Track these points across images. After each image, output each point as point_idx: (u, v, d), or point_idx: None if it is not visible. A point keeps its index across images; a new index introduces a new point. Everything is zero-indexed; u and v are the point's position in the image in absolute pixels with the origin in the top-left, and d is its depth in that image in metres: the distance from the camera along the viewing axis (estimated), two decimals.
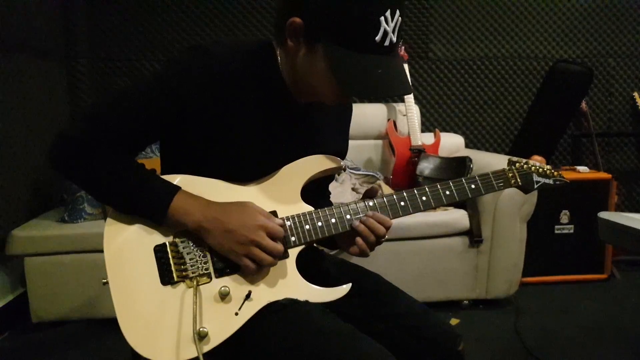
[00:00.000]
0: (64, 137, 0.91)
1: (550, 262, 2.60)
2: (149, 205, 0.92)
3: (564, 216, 2.59)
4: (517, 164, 1.11)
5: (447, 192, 1.04)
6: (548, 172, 1.12)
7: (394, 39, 0.87)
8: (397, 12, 0.85)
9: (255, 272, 0.90)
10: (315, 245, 1.17)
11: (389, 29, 0.85)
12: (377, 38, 0.85)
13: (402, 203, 1.01)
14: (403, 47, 2.77)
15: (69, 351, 1.97)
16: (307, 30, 0.88)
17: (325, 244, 1.17)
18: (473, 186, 1.05)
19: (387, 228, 0.98)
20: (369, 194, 1.03)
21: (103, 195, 0.96)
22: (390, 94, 0.88)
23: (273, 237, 0.90)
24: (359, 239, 0.98)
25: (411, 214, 1.02)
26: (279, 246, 0.90)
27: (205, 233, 0.91)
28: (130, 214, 0.94)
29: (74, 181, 0.95)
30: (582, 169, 2.67)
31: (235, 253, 0.90)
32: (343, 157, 1.14)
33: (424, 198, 1.02)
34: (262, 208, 0.94)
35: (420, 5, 2.93)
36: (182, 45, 2.81)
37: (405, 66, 2.72)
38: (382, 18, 0.84)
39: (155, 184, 0.93)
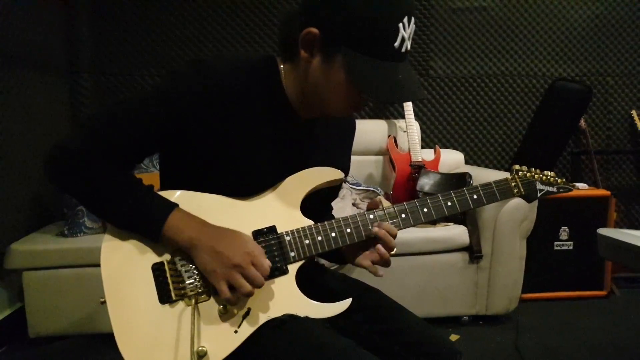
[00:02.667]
0: (60, 148, 0.90)
1: (550, 278, 2.60)
2: (144, 223, 0.91)
3: (564, 233, 2.59)
4: (520, 172, 1.09)
5: (449, 204, 1.02)
6: (552, 179, 1.11)
7: (409, 46, 0.89)
8: (412, 19, 0.87)
9: (230, 300, 0.88)
10: (315, 259, 1.17)
11: (406, 36, 0.87)
12: (396, 45, 0.86)
13: (403, 215, 1.01)
14: None
15: None
16: (324, 40, 0.88)
17: (329, 257, 1.17)
18: (475, 196, 1.04)
19: (394, 236, 0.98)
20: (371, 207, 1.03)
21: (97, 209, 0.94)
22: (411, 99, 0.89)
23: (257, 268, 0.88)
24: (379, 247, 0.98)
25: (412, 226, 1.02)
26: (260, 278, 0.88)
27: (194, 251, 0.90)
28: (124, 229, 0.93)
29: (68, 193, 0.93)
30: (582, 186, 2.68)
31: (215, 275, 0.88)
32: (345, 173, 1.13)
33: (425, 210, 1.01)
34: (255, 244, 0.92)
35: (421, 23, 2.97)
36: (184, 60, 2.83)
37: None
38: (401, 25, 0.85)
39: (152, 202, 0.92)
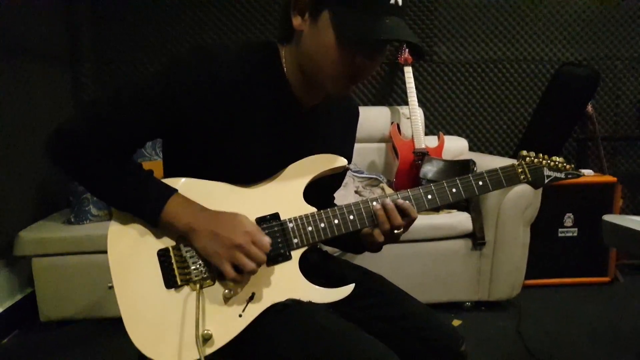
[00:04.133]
0: (62, 131, 0.91)
1: (554, 265, 2.60)
2: (142, 207, 0.93)
3: (568, 219, 2.59)
4: (528, 157, 1.07)
5: (454, 190, 1.02)
6: (560, 165, 1.09)
7: (400, 0, 0.86)
8: None
9: (235, 279, 0.90)
10: (318, 246, 1.18)
11: None
12: None
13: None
14: (407, 50, 2.77)
15: (77, 350, 1.99)
16: (312, 1, 0.88)
17: (345, 247, 1.18)
18: (481, 183, 1.03)
19: (410, 222, 0.98)
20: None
21: (97, 191, 0.96)
22: (400, 37, 0.84)
23: (258, 247, 0.90)
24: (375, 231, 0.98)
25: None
26: (262, 255, 0.89)
27: (193, 235, 0.91)
28: (123, 211, 0.95)
29: (69, 174, 0.95)
30: (587, 172, 2.66)
31: (218, 256, 0.89)
32: (348, 161, 1.13)
33: (429, 196, 1.01)
34: (253, 222, 0.93)
35: (425, 8, 2.94)
36: (186, 47, 2.82)
37: (410, 69, 2.72)
38: None
39: (151, 187, 0.94)
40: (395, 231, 0.98)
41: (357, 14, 0.84)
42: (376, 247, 1.04)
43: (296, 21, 0.91)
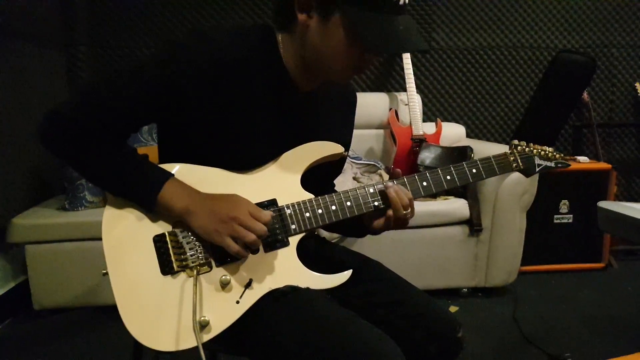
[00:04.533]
0: (55, 114, 0.90)
1: (549, 251, 2.62)
2: (138, 191, 0.92)
3: (564, 206, 2.60)
4: (519, 147, 1.10)
5: (448, 177, 1.03)
6: (550, 154, 1.12)
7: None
8: None
9: (239, 253, 0.88)
10: (316, 232, 1.17)
11: None
12: None
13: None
14: None
15: (71, 338, 1.99)
16: (320, 1, 0.87)
17: (346, 231, 1.17)
18: (474, 170, 1.04)
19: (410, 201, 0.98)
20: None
21: (90, 176, 0.95)
22: (414, 49, 0.88)
23: (257, 218, 0.88)
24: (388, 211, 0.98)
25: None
26: (262, 226, 0.88)
27: (190, 216, 0.90)
28: (119, 197, 0.94)
29: (61, 158, 0.94)
30: (583, 159, 2.68)
31: (218, 233, 0.88)
32: (346, 148, 1.12)
33: (424, 183, 1.02)
34: (249, 200, 0.92)
35: None
36: (182, 31, 2.79)
37: (408, 56, 2.71)
38: None
39: (147, 171, 0.93)
40: (405, 212, 0.98)
41: (369, 15, 0.85)
42: (379, 231, 1.04)
43: (302, 17, 0.90)
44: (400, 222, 1.00)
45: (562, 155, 1.13)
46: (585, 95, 3.00)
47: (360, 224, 1.05)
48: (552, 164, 1.12)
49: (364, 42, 0.86)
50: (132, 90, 0.90)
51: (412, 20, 0.90)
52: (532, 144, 1.12)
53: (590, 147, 3.13)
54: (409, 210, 0.99)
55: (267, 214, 0.90)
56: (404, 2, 0.87)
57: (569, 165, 1.14)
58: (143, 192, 0.91)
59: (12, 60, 2.22)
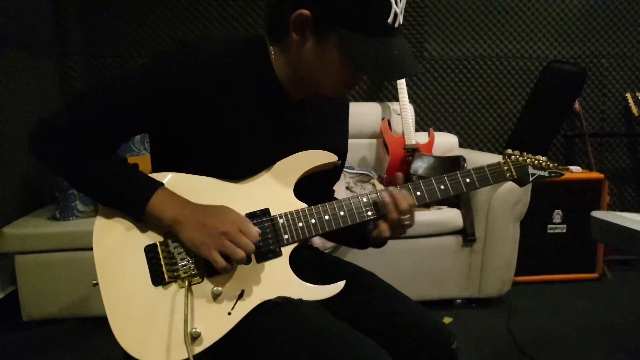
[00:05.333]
0: (45, 124, 0.90)
1: (543, 261, 2.62)
2: (127, 201, 0.91)
3: (557, 216, 2.60)
4: (513, 156, 1.10)
5: (442, 187, 1.02)
6: (544, 164, 1.12)
7: (401, 20, 0.89)
8: None
9: (225, 269, 0.87)
10: (309, 242, 1.16)
11: (398, 10, 0.86)
12: (389, 20, 0.85)
13: None
14: None
15: (60, 350, 1.96)
16: (316, 21, 0.86)
17: (346, 242, 1.16)
18: (468, 180, 1.04)
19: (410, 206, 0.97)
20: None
21: (80, 186, 0.95)
22: (408, 75, 0.90)
23: (246, 235, 0.87)
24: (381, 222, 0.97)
25: None
26: (251, 244, 0.87)
27: (179, 227, 0.89)
28: (108, 206, 0.93)
29: (51, 168, 0.94)
30: (575, 168, 2.69)
31: (206, 246, 0.87)
32: (342, 155, 1.12)
33: (418, 193, 1.01)
34: (239, 213, 0.91)
35: (415, 4, 2.93)
36: (173, 41, 2.79)
37: None
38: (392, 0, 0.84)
39: (136, 181, 0.92)
40: (403, 217, 0.96)
41: (365, 39, 0.85)
42: (380, 242, 1.03)
43: (296, 36, 0.90)
44: (397, 228, 0.98)
45: (555, 164, 1.14)
46: (576, 105, 3.02)
47: (360, 233, 1.04)
48: (546, 173, 1.12)
49: (359, 68, 0.88)
50: (121, 101, 0.90)
51: (406, 43, 0.91)
52: (525, 153, 1.12)
53: (582, 156, 3.15)
54: (407, 216, 0.97)
55: (256, 232, 0.89)
56: (399, 24, 0.88)
57: (563, 174, 1.15)
58: (132, 201, 0.91)
59: (3, 69, 2.20)
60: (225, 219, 0.88)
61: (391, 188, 1.00)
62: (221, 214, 0.90)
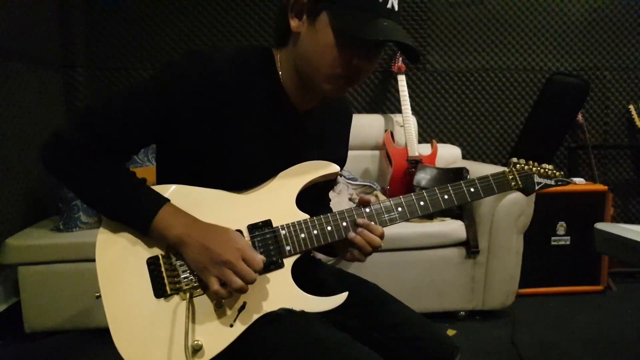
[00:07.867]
0: (56, 136, 0.91)
1: (547, 273, 2.60)
2: (134, 216, 0.91)
3: (560, 228, 2.59)
4: (518, 165, 1.08)
5: (446, 197, 1.01)
6: (550, 172, 1.10)
7: (396, 5, 0.89)
8: None
9: (219, 293, 0.86)
10: (311, 254, 1.16)
11: None
12: None
13: (400, 208, 1.00)
14: (400, 59, 2.79)
15: None
16: (309, 3, 0.89)
17: (324, 251, 1.16)
18: (472, 189, 1.03)
19: (381, 236, 0.97)
20: (362, 203, 1.01)
21: (88, 199, 0.95)
22: (396, 38, 0.86)
23: (249, 264, 0.86)
24: (355, 251, 0.97)
25: (408, 219, 1.01)
26: (253, 274, 0.86)
27: (183, 247, 0.89)
28: (115, 221, 0.93)
29: (61, 181, 0.94)
30: (579, 180, 2.68)
31: (207, 271, 0.87)
32: (342, 165, 1.13)
33: (421, 203, 1.00)
34: (244, 239, 0.91)
35: (418, 17, 2.95)
36: (180, 52, 2.80)
37: (403, 77, 2.73)
38: None
39: (143, 196, 0.92)
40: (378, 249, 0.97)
41: (356, 13, 0.85)
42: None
43: (294, 23, 0.91)
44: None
45: (561, 173, 1.12)
46: (579, 117, 3.03)
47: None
48: (552, 182, 1.10)
49: (350, 30, 0.85)
50: (131, 113, 0.90)
51: (399, 26, 0.90)
52: (531, 162, 1.11)
53: (585, 168, 3.14)
54: (380, 246, 0.97)
55: (260, 260, 0.87)
56: (392, 5, 0.88)
57: (569, 182, 1.12)
58: (138, 217, 0.91)
59: (8, 81, 2.22)
60: (228, 246, 0.87)
61: (361, 221, 0.97)
62: (225, 240, 0.88)
